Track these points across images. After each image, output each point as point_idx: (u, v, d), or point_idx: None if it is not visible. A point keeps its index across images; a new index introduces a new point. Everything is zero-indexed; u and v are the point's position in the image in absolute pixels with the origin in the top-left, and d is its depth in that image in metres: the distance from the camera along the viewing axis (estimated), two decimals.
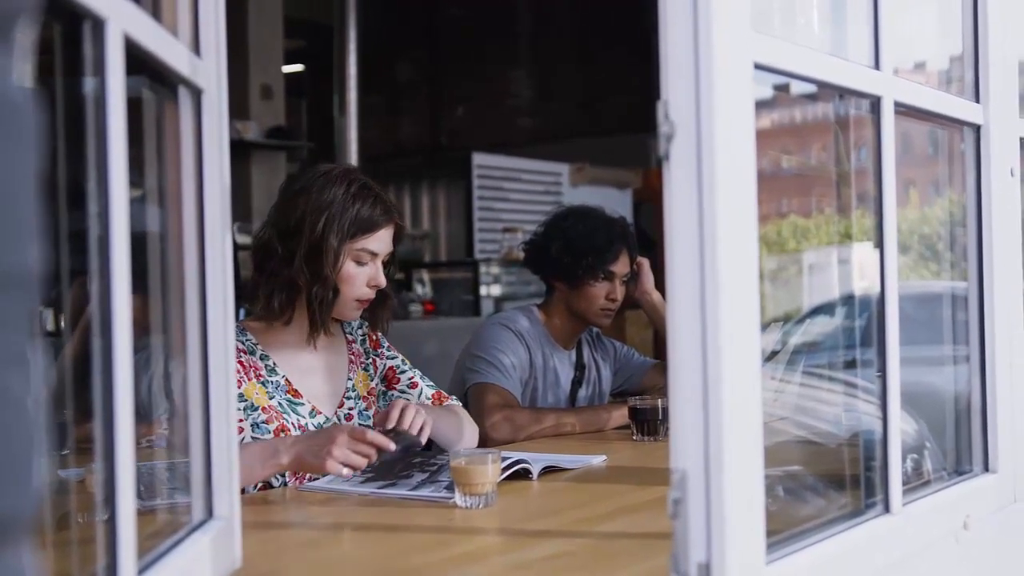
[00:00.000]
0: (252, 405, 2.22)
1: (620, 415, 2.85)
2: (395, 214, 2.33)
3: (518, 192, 8.10)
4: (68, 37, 0.98)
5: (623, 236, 3.03)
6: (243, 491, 2.00)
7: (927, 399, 1.91)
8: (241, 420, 2.19)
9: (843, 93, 1.60)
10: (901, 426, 1.56)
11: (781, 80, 1.39)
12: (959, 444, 1.88)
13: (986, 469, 1.82)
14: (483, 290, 7.37)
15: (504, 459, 2.06)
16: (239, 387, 2.20)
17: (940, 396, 1.99)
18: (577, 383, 3.13)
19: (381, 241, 2.30)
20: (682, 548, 1.17)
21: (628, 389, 3.19)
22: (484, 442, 2.73)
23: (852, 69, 1.51)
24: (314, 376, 2.36)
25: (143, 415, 1.11)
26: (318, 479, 2.13)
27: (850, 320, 2.03)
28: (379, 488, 2.02)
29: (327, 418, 2.33)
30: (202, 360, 1.37)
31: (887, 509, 1.52)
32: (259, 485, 2.14)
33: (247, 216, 7.01)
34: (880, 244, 1.54)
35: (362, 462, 2.00)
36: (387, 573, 1.57)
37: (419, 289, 7.57)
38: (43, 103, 0.62)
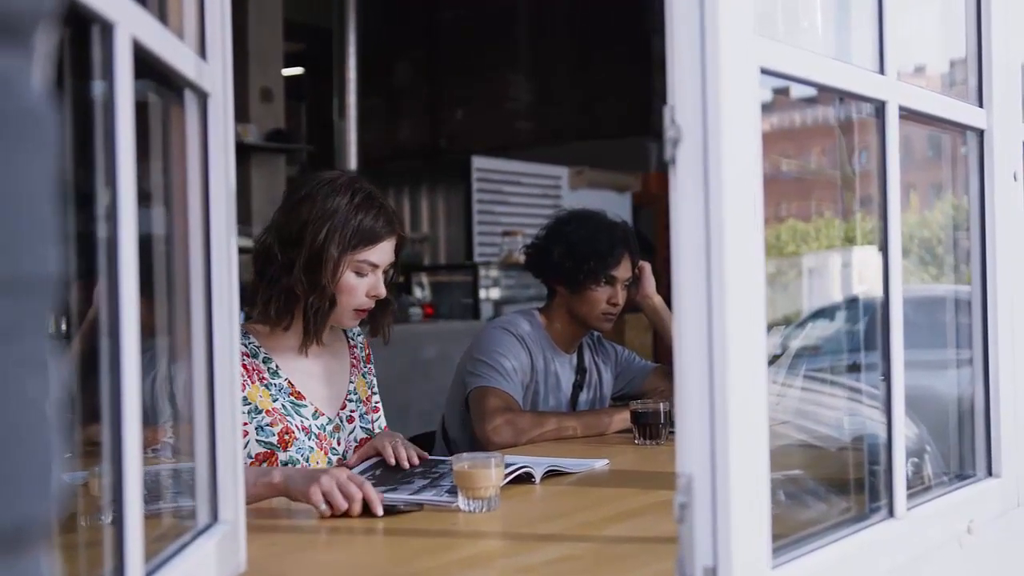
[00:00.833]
0: (256, 408, 2.22)
1: (621, 419, 2.85)
2: (398, 226, 2.33)
3: (517, 195, 8.10)
4: (76, 40, 0.98)
5: (625, 240, 3.03)
6: None
7: (927, 403, 1.92)
8: (245, 424, 2.19)
9: (848, 97, 1.60)
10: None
11: (779, 84, 1.39)
12: (962, 448, 1.88)
13: (989, 473, 1.82)
14: (482, 293, 7.36)
15: (507, 465, 2.06)
16: (243, 390, 2.20)
17: (940, 400, 1.99)
18: (578, 387, 3.12)
19: (383, 252, 2.30)
20: (688, 552, 1.17)
21: (629, 393, 3.18)
22: (485, 446, 2.73)
23: (857, 74, 1.51)
24: (316, 379, 2.36)
25: (147, 418, 1.11)
26: None
27: (851, 324, 2.04)
28: (382, 492, 2.02)
29: (329, 419, 2.34)
30: (207, 364, 1.37)
31: (891, 513, 1.52)
32: None
33: (246, 219, 7.00)
34: (884, 248, 1.54)
35: (342, 504, 1.88)
36: None
37: (418, 292, 7.56)
38: (60, 108, 0.62)
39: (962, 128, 1.83)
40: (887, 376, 1.53)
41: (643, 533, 1.77)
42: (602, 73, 9.46)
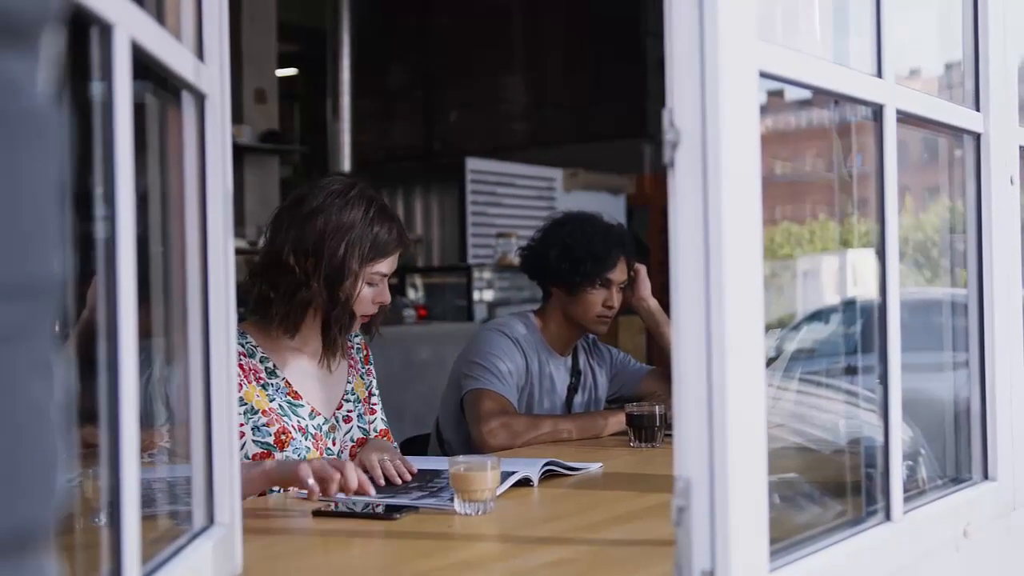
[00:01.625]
0: (252, 408, 2.22)
1: (617, 421, 2.85)
2: (407, 237, 2.37)
3: (511, 197, 8.09)
4: (74, 41, 0.98)
5: (621, 243, 3.03)
6: None
7: (923, 406, 1.92)
8: (241, 425, 2.19)
9: (846, 101, 1.60)
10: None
11: (774, 86, 1.39)
12: (959, 452, 1.88)
13: (986, 477, 1.83)
14: (476, 295, 7.35)
15: (506, 474, 2.05)
16: (239, 391, 2.20)
17: (936, 404, 1.99)
18: (573, 389, 3.12)
19: (393, 264, 2.34)
20: (686, 556, 1.17)
21: (624, 395, 3.18)
22: (481, 448, 2.73)
23: (855, 77, 1.51)
24: (314, 378, 2.37)
25: (142, 419, 1.11)
26: None
27: (846, 327, 2.04)
28: (379, 499, 2.01)
29: (326, 419, 2.34)
30: (204, 365, 1.37)
31: (888, 517, 1.52)
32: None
33: (240, 220, 7.00)
34: (881, 251, 1.54)
35: (332, 474, 1.91)
36: None
37: (412, 294, 7.56)
38: (66, 111, 0.62)
39: (959, 132, 1.83)
40: (884, 379, 1.53)
41: (640, 536, 1.77)
42: (596, 75, 9.47)
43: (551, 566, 1.59)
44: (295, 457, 2.23)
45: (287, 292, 2.25)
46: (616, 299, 3.01)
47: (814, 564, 1.35)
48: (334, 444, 2.35)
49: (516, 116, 9.96)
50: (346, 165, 8.74)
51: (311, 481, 1.91)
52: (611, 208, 7.10)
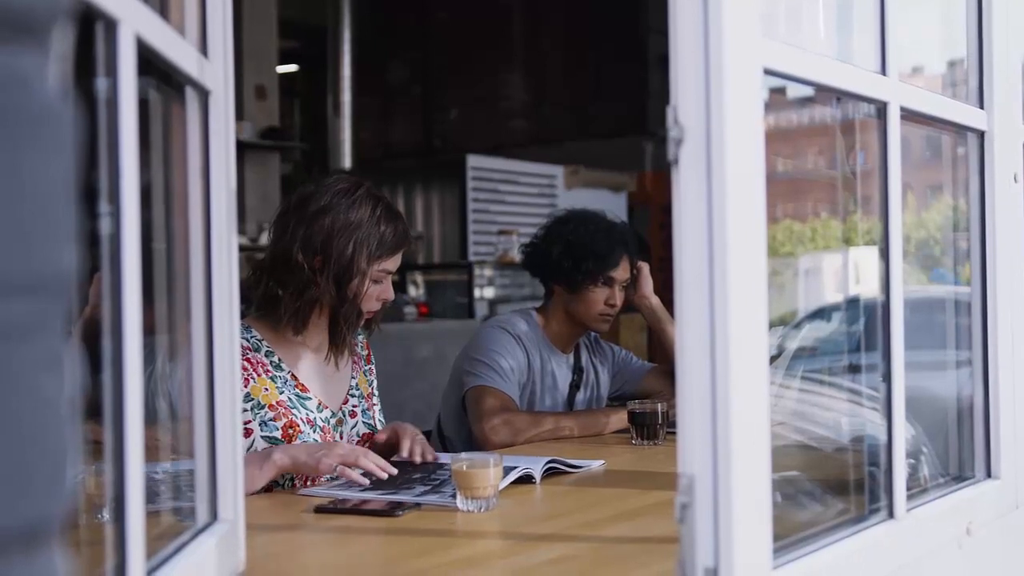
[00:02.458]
0: (259, 403, 2.24)
1: (619, 419, 2.85)
2: (411, 235, 2.40)
3: (512, 195, 8.09)
4: (79, 37, 0.98)
5: (624, 242, 3.02)
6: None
7: (925, 404, 1.92)
8: (249, 421, 2.20)
9: (850, 98, 1.60)
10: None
11: (776, 83, 1.39)
12: (962, 450, 1.88)
13: (988, 475, 1.83)
14: (477, 292, 7.35)
15: (508, 469, 2.06)
16: (245, 386, 2.21)
17: (939, 401, 1.99)
18: (575, 387, 3.12)
19: (398, 261, 2.37)
20: (689, 553, 1.17)
21: (626, 393, 3.18)
22: (483, 446, 2.73)
23: (858, 74, 1.51)
24: (319, 374, 2.38)
25: (147, 416, 1.11)
26: (320, 483, 2.13)
27: (848, 325, 2.04)
28: (381, 496, 2.01)
29: (332, 413, 2.36)
30: (207, 361, 1.37)
31: (891, 515, 1.52)
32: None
33: (240, 217, 7.00)
34: (885, 249, 1.54)
35: (360, 459, 2.07)
36: None
37: (413, 291, 7.56)
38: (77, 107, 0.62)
39: (963, 129, 1.83)
40: (887, 377, 1.53)
41: (642, 533, 1.77)
42: (597, 72, 9.47)
43: (553, 563, 1.59)
44: None
45: (295, 290, 2.27)
46: (618, 297, 3.01)
47: (817, 561, 1.35)
48: (341, 438, 2.37)
49: (517, 114, 9.96)
50: (347, 162, 8.74)
51: (338, 469, 2.06)
52: (612, 206, 7.09)
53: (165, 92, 1.31)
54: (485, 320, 3.41)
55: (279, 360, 2.32)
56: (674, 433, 1.34)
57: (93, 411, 1.00)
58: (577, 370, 3.14)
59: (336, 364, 2.38)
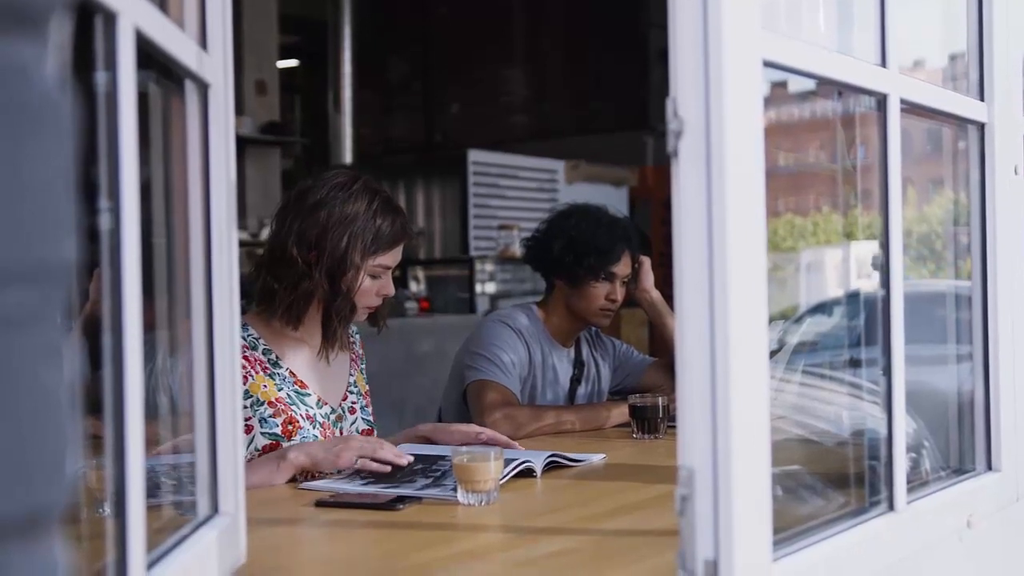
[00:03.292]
0: (258, 400, 2.24)
1: (620, 413, 2.85)
2: (411, 229, 2.38)
3: (513, 189, 8.08)
4: (78, 30, 0.98)
5: (626, 237, 3.02)
6: None
7: (925, 398, 1.92)
8: (249, 418, 2.20)
9: (850, 91, 1.60)
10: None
11: (778, 77, 1.38)
12: (962, 443, 1.88)
13: (989, 468, 1.83)
14: (478, 287, 7.35)
15: (509, 460, 2.06)
16: (244, 384, 2.21)
17: (940, 395, 1.99)
18: (576, 381, 3.12)
19: (397, 255, 2.36)
20: (689, 545, 1.17)
21: (627, 387, 3.18)
22: None
23: (858, 67, 1.51)
24: (317, 370, 2.38)
25: (147, 411, 1.11)
26: (321, 478, 2.13)
27: (849, 319, 2.04)
28: (382, 490, 2.01)
29: (332, 409, 2.36)
30: (208, 355, 1.37)
31: (891, 507, 1.52)
32: None
33: (241, 212, 7.00)
34: (886, 242, 1.54)
35: (380, 450, 2.09)
36: (390, 570, 1.57)
37: (414, 286, 7.56)
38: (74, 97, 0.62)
39: (963, 122, 1.83)
40: (887, 370, 1.53)
41: (643, 526, 1.77)
42: (598, 67, 9.46)
43: (554, 556, 1.60)
44: None
45: (290, 284, 2.27)
46: (619, 293, 3.01)
47: (817, 554, 1.35)
48: (341, 434, 2.37)
49: (517, 108, 9.96)
50: (347, 157, 8.74)
51: (358, 463, 2.08)
52: (613, 200, 7.09)
53: (165, 85, 1.31)
54: (486, 315, 3.40)
55: (276, 357, 2.32)
56: (675, 427, 1.34)
57: (94, 406, 1.00)
58: (578, 364, 3.14)
59: (327, 358, 2.38)
